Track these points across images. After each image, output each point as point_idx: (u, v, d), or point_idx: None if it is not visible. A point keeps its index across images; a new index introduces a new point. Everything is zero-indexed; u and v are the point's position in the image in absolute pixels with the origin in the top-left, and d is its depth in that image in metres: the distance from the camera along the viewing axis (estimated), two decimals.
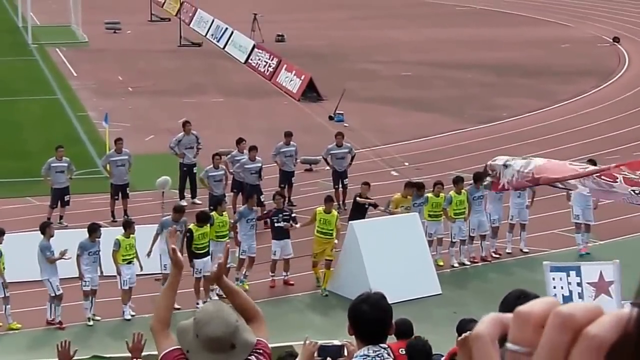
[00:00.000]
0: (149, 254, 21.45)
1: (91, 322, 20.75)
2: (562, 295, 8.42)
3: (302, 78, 42.49)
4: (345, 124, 35.52)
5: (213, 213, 22.58)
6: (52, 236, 20.87)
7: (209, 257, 21.62)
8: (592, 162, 23.92)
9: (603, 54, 51.36)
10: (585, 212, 23.79)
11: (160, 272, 21.39)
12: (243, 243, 22.39)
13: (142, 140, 33.33)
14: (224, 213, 22.54)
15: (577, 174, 11.69)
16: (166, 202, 24.92)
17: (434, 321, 20.07)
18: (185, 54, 51.55)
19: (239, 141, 27.18)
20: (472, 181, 24.42)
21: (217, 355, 5.55)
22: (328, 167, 28.17)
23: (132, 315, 20.89)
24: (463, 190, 23.84)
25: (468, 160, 32.06)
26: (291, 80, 43.25)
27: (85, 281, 20.74)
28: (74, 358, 11.46)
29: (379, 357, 6.03)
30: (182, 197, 27.78)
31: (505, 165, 14.07)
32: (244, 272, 22.43)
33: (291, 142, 27.92)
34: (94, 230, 21.04)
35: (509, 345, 1.09)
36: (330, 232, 22.48)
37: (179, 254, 6.01)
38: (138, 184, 27.49)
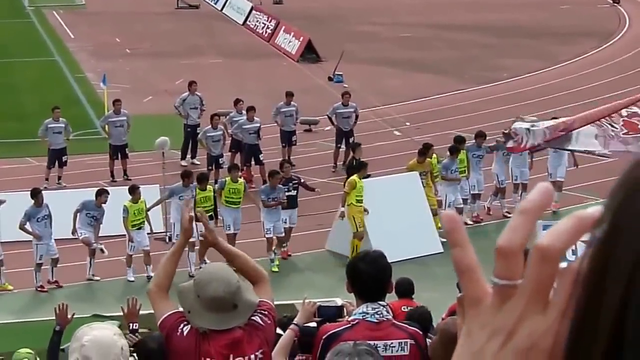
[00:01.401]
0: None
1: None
2: None
3: (301, 39, 42.29)
4: (344, 85, 35.34)
5: (227, 178, 22.05)
6: (41, 205, 20.51)
7: (212, 220, 21.20)
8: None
9: (603, 15, 51.11)
10: (559, 169, 23.85)
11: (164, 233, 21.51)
12: (266, 222, 21.37)
13: (140, 102, 33.19)
14: (238, 180, 21.90)
15: (605, 110, 11.61)
16: (166, 163, 24.81)
17: (434, 280, 20.03)
18: (182, 16, 51.26)
19: (237, 102, 27.08)
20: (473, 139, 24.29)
21: (219, 315, 5.54)
22: (330, 127, 28.04)
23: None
24: (462, 150, 23.68)
25: (468, 120, 31.95)
26: (290, 42, 43.05)
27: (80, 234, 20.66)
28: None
29: (377, 314, 6.00)
30: (183, 157, 27.73)
31: (530, 128, 14.04)
32: (273, 251, 21.49)
33: (292, 102, 27.79)
34: (99, 194, 20.95)
35: (495, 280, 1.09)
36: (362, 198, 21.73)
37: (194, 224, 5.96)
38: (136, 145, 27.39)
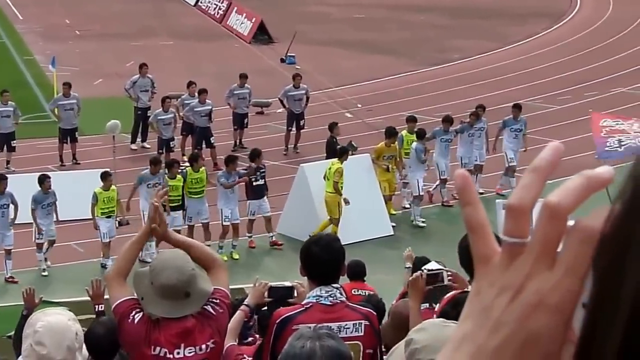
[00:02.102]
0: (127, 208, 20.90)
1: (46, 272, 20.32)
2: None
3: (253, 20, 42.11)
4: (297, 67, 35.26)
5: (188, 169, 21.61)
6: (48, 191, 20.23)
7: (181, 211, 21.06)
8: (482, 107, 24.41)
9: None
10: (517, 154, 23.95)
11: None
12: (224, 209, 21.11)
13: (90, 84, 32.88)
14: (200, 169, 21.46)
15: None
16: (117, 146, 24.60)
17: (386, 262, 20.05)
18: None
19: (189, 84, 26.91)
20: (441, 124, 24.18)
21: (171, 302, 5.53)
22: (281, 109, 27.95)
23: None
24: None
25: (420, 101, 32.04)
26: (242, 23, 42.85)
27: (41, 234, 20.25)
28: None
29: (331, 296, 6.02)
30: (134, 140, 27.53)
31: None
32: (232, 242, 21.27)
33: (245, 84, 27.65)
34: (42, 181, 20.38)
35: (504, 237, 1.12)
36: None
37: (160, 211, 5.87)
38: (86, 128, 27.13)
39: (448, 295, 6.35)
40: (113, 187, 20.63)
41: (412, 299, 6.65)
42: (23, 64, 37.48)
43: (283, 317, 6.02)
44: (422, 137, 22.89)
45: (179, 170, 21.49)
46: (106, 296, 10.14)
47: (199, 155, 23.09)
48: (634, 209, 1.07)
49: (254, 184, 21.40)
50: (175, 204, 20.99)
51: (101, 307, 10.51)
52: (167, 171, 21.20)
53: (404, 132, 23.62)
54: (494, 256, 1.15)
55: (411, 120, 23.98)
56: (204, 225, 21.10)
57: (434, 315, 6.23)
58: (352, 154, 22.82)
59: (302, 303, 6.15)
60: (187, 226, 21.10)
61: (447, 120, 23.87)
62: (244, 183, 21.28)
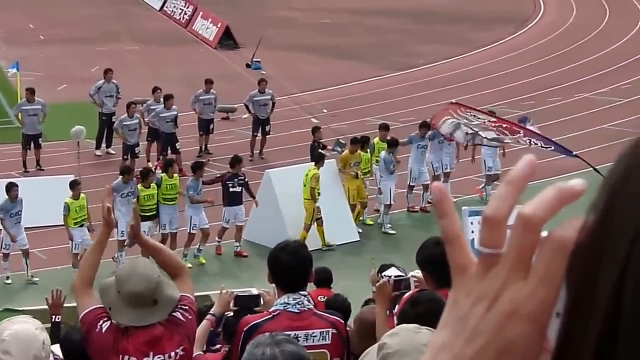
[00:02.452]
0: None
1: (9, 280, 20.09)
2: None
3: (219, 26, 42.05)
4: (262, 72, 35.24)
5: (162, 175, 21.34)
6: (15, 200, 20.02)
7: (157, 219, 20.85)
8: (385, 125, 24.53)
9: (519, 1, 51.56)
10: (495, 163, 24.05)
11: None
12: (193, 216, 20.93)
13: (54, 90, 32.68)
14: (174, 175, 21.23)
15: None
16: (81, 152, 24.48)
17: (352, 268, 20.07)
18: (98, 2, 50.50)
19: (155, 90, 26.83)
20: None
21: (139, 310, 5.51)
22: (247, 115, 27.91)
23: None
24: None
25: (386, 106, 32.10)
26: (207, 28, 42.78)
27: (8, 245, 20.00)
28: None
29: (299, 304, 6.02)
30: (98, 146, 27.41)
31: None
32: (198, 246, 21.17)
33: (211, 90, 27.59)
34: (9, 189, 20.09)
35: (481, 248, 1.15)
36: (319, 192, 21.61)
37: (112, 214, 5.91)
38: (50, 133, 26.98)
39: (406, 294, 6.35)
40: (82, 195, 20.42)
41: (379, 305, 6.67)
42: None
43: (250, 324, 6.01)
44: (394, 147, 22.74)
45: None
46: (72, 304, 10.12)
47: (173, 160, 23.01)
48: (607, 219, 1.09)
49: (231, 190, 21.27)
50: (151, 214, 20.74)
51: (58, 318, 10.44)
52: (141, 181, 20.86)
53: (375, 140, 23.53)
54: (471, 266, 1.17)
55: (383, 128, 23.91)
56: (173, 235, 20.90)
57: (394, 316, 6.25)
58: (342, 151, 22.95)
59: (270, 311, 6.14)
60: (161, 234, 20.87)
61: (424, 126, 23.76)
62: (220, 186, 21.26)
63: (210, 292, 18.64)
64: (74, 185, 20.51)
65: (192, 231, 20.97)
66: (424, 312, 5.45)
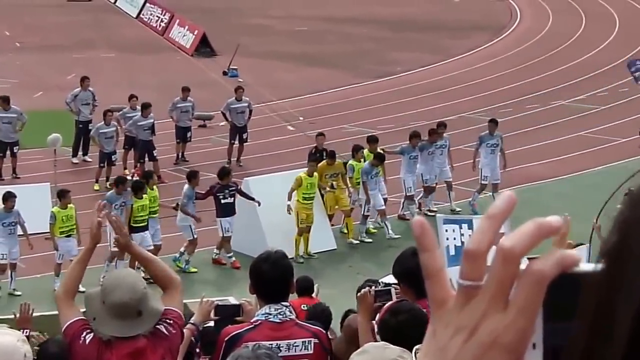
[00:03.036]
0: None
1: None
2: (455, 245, 8.71)
3: (195, 33, 42.02)
4: (239, 79, 35.21)
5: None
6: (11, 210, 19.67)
7: (147, 231, 20.60)
8: (443, 125, 24.32)
9: (495, 9, 51.83)
10: (494, 172, 23.77)
11: None
12: (193, 224, 20.90)
13: (30, 97, 32.54)
14: (154, 187, 21.03)
15: None
16: (58, 160, 24.36)
17: (330, 277, 20.07)
18: (74, 9, 50.45)
19: (131, 97, 26.79)
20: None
21: (123, 321, 5.50)
22: (224, 123, 27.87)
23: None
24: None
25: (362, 114, 32.16)
26: (184, 36, 42.74)
27: (3, 254, 19.66)
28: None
29: (280, 314, 6.03)
30: (75, 154, 27.32)
31: None
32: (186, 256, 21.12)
33: (188, 98, 27.55)
34: (6, 198, 19.67)
35: (460, 281, 1.16)
36: (313, 195, 21.51)
37: (101, 230, 5.91)
38: (27, 140, 26.85)
39: (388, 304, 6.35)
40: (70, 204, 20.12)
41: (360, 315, 6.66)
42: None
43: (232, 334, 6.02)
44: (380, 162, 22.46)
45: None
46: (51, 312, 10.06)
47: (152, 172, 22.84)
48: (623, 255, 1.11)
49: (222, 202, 21.07)
50: (144, 224, 20.52)
51: (27, 332, 10.34)
52: (133, 193, 20.55)
53: (365, 152, 23.07)
54: (449, 300, 1.19)
55: (372, 141, 23.24)
56: (157, 247, 20.41)
57: (375, 325, 6.26)
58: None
59: (252, 321, 6.15)
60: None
61: (415, 136, 23.58)
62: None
63: (187, 300, 18.61)
64: (63, 194, 20.22)
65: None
66: (405, 321, 5.50)
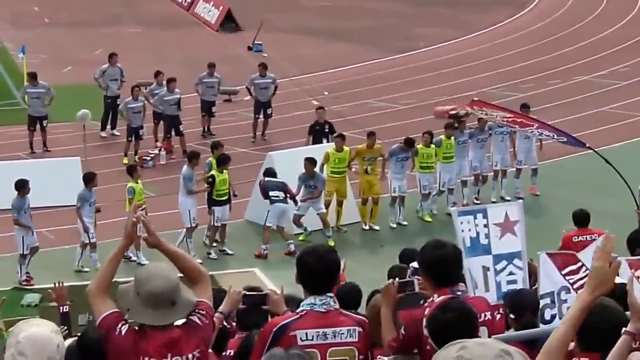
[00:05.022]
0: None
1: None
2: (470, 237, 8.74)
3: (220, 9, 42.35)
4: (264, 54, 35.56)
5: (132, 184, 20.34)
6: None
7: (228, 205, 20.77)
8: (526, 105, 23.89)
9: None
10: (529, 155, 23.29)
11: None
12: (192, 210, 20.55)
13: (59, 72, 33.05)
14: (139, 181, 20.36)
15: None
16: (87, 134, 24.84)
17: (353, 248, 20.47)
18: None
19: (157, 74, 27.11)
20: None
21: (158, 311, 5.65)
22: (249, 97, 28.24)
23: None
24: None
25: (386, 89, 32.43)
26: (209, 11, 43.07)
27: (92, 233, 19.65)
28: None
29: (325, 304, 6.21)
30: (103, 128, 27.78)
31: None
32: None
33: (214, 73, 27.91)
34: (23, 185, 19.31)
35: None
36: (344, 170, 21.63)
37: (137, 228, 5.95)
38: (56, 115, 27.31)
39: (440, 298, 6.45)
40: (140, 180, 20.41)
41: (384, 305, 6.78)
42: None
43: (279, 324, 6.20)
44: (409, 146, 22.00)
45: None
46: (80, 282, 10.48)
47: (229, 157, 21.54)
48: None
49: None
50: (225, 198, 20.75)
51: (65, 308, 10.82)
52: (217, 165, 20.68)
53: (442, 137, 22.64)
54: None
55: (370, 134, 22.42)
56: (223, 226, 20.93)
57: (423, 318, 6.34)
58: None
59: (297, 311, 6.31)
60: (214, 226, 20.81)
61: (409, 143, 22.32)
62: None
63: (212, 271, 19.08)
64: (134, 169, 20.54)
65: (216, 224, 20.82)
66: (453, 318, 5.72)
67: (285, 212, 20.91)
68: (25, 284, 19.14)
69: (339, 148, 21.86)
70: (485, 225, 8.66)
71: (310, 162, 21.06)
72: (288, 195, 20.82)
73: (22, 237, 19.30)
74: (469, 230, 8.67)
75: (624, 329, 4.93)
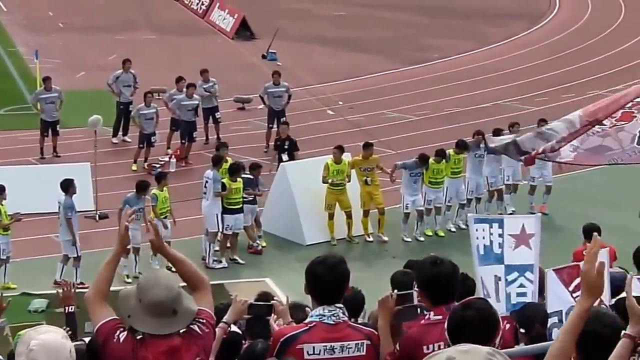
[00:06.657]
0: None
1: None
2: (484, 245, 8.67)
3: (236, 17, 42.32)
4: (278, 63, 35.49)
5: (155, 191, 20.33)
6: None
7: (242, 213, 20.72)
8: (544, 120, 23.38)
9: None
10: (544, 171, 22.90)
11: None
12: (220, 214, 20.57)
13: (72, 77, 33.03)
14: (164, 189, 20.45)
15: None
16: (98, 140, 24.75)
17: (362, 260, 20.35)
18: None
19: (178, 80, 27.03)
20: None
21: (159, 319, 5.60)
22: (262, 106, 28.14)
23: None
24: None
25: (400, 100, 32.33)
26: (224, 19, 43.06)
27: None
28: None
29: (334, 316, 6.17)
30: (115, 134, 27.72)
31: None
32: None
33: (210, 78, 27.69)
34: (70, 184, 19.45)
35: None
36: (342, 182, 21.41)
37: (129, 233, 5.98)
38: (68, 120, 27.26)
39: (465, 300, 6.30)
40: (166, 187, 20.38)
41: (381, 318, 6.64)
42: (6, 55, 37.54)
43: (287, 335, 6.17)
44: (424, 162, 21.79)
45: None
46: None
47: (165, 174, 21.71)
48: None
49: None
50: (238, 207, 20.70)
51: (71, 309, 10.73)
52: (157, 183, 20.55)
53: (450, 151, 22.42)
54: None
55: (367, 146, 22.19)
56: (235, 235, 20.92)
57: (420, 338, 6.31)
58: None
59: (306, 322, 6.26)
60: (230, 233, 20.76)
61: (424, 160, 22.02)
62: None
63: (223, 280, 19.00)
64: (163, 176, 20.61)
65: (226, 232, 20.72)
66: (471, 317, 5.59)
67: (253, 212, 21.29)
68: (80, 287, 18.97)
69: (337, 160, 21.61)
70: (500, 235, 8.62)
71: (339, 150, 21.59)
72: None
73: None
74: (483, 238, 8.63)
75: (623, 332, 4.88)
